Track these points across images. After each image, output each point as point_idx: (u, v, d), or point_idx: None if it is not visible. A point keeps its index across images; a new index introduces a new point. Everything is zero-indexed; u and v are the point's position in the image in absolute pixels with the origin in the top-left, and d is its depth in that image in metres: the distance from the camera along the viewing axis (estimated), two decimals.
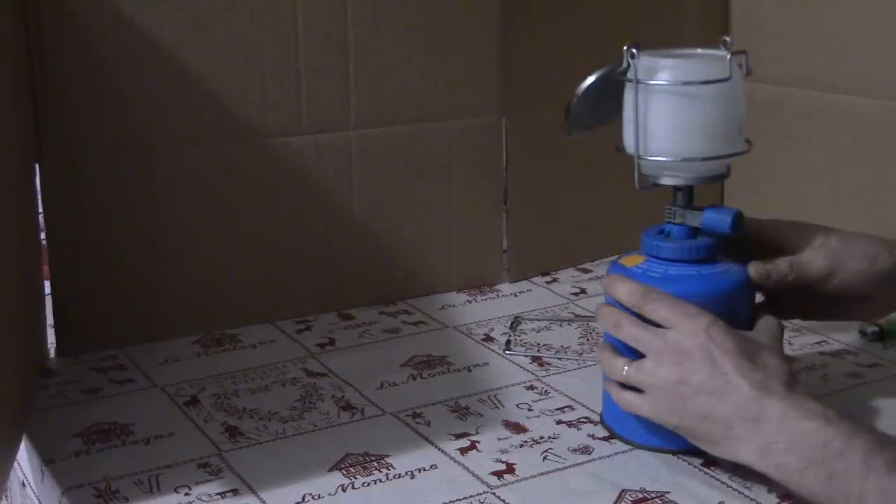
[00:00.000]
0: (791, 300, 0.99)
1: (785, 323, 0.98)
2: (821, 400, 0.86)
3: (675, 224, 0.96)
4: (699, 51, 0.95)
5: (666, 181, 0.95)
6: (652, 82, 0.93)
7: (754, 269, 0.95)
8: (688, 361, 0.88)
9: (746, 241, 0.98)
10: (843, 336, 1.18)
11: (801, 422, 0.84)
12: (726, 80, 0.92)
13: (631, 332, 0.92)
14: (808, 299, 0.99)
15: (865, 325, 1.17)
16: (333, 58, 1.22)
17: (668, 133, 0.93)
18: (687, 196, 0.96)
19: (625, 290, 0.93)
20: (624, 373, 0.92)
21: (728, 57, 0.93)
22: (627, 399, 0.93)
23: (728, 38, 0.93)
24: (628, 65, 0.94)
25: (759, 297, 0.99)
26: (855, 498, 0.79)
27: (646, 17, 1.40)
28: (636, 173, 0.95)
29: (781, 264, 0.96)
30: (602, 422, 1.01)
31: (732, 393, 0.86)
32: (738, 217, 0.94)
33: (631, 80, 0.94)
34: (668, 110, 0.93)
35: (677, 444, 0.93)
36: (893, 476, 0.79)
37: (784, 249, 0.98)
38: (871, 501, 0.78)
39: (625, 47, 0.93)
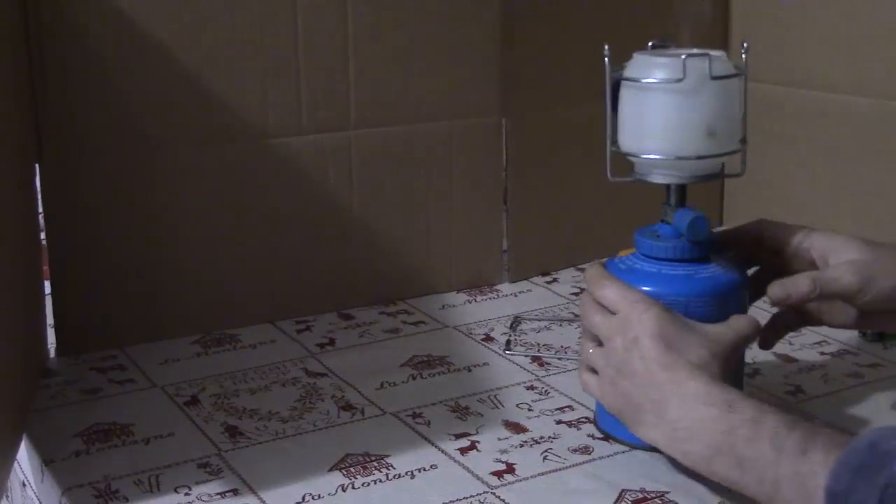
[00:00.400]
0: (816, 309, 0.97)
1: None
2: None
3: (666, 224, 0.96)
4: (695, 50, 0.95)
5: (658, 179, 0.95)
6: (646, 80, 0.93)
7: (772, 291, 0.93)
8: (619, 344, 0.89)
9: (773, 249, 0.97)
10: (843, 336, 1.18)
11: (701, 407, 0.83)
12: (723, 78, 0.92)
13: (589, 318, 0.93)
14: (835, 310, 0.97)
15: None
16: (333, 58, 1.22)
17: (660, 131, 0.93)
18: (679, 195, 0.96)
19: (588, 275, 0.95)
20: (588, 355, 0.94)
21: (723, 56, 0.94)
22: (583, 379, 0.95)
23: (746, 43, 0.94)
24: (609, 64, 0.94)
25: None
26: (769, 483, 0.77)
27: (646, 18, 1.40)
28: (608, 164, 0.96)
29: (802, 283, 0.92)
30: (594, 422, 1.01)
31: (643, 375, 0.87)
32: (697, 221, 0.93)
33: (627, 79, 0.94)
34: (661, 109, 0.93)
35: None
36: (806, 457, 0.76)
37: (812, 260, 0.96)
38: (786, 486, 0.76)
39: (606, 46, 0.93)
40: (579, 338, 1.20)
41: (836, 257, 0.94)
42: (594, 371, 0.93)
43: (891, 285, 0.93)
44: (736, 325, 0.92)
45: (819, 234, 0.97)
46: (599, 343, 0.93)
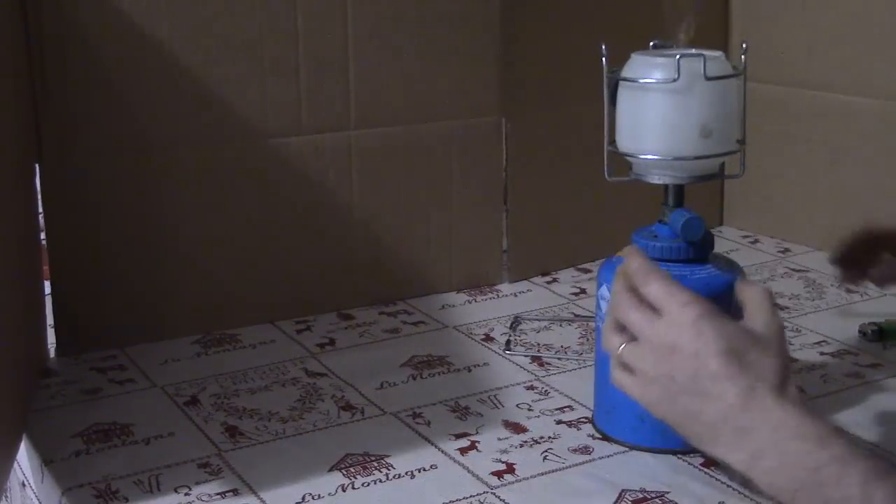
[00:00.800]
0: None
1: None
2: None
3: (664, 224, 0.96)
4: (692, 50, 0.95)
5: (655, 180, 0.95)
6: (642, 81, 0.93)
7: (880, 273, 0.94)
8: (674, 356, 0.82)
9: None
10: (843, 336, 1.18)
11: (791, 441, 0.77)
12: (721, 78, 0.92)
13: (624, 312, 0.87)
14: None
15: (866, 325, 1.16)
16: (333, 58, 1.22)
17: (657, 132, 0.93)
18: (677, 195, 0.96)
19: (632, 265, 0.87)
20: (619, 351, 0.87)
21: (720, 56, 0.94)
22: (619, 378, 0.87)
23: (745, 43, 0.94)
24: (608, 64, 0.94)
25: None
26: None
27: (645, 18, 1.40)
28: (605, 164, 0.96)
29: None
30: (592, 422, 1.01)
31: (718, 398, 0.80)
32: (691, 222, 0.93)
33: (625, 79, 0.94)
34: (657, 109, 0.93)
35: (655, 443, 0.95)
36: None
37: None
38: None
39: (602, 46, 0.93)
40: (579, 338, 1.20)
41: None
42: (627, 368, 0.87)
43: None
44: (764, 312, 0.86)
45: None
46: (629, 337, 0.87)
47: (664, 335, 0.83)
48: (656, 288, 0.85)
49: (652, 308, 0.85)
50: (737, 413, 0.79)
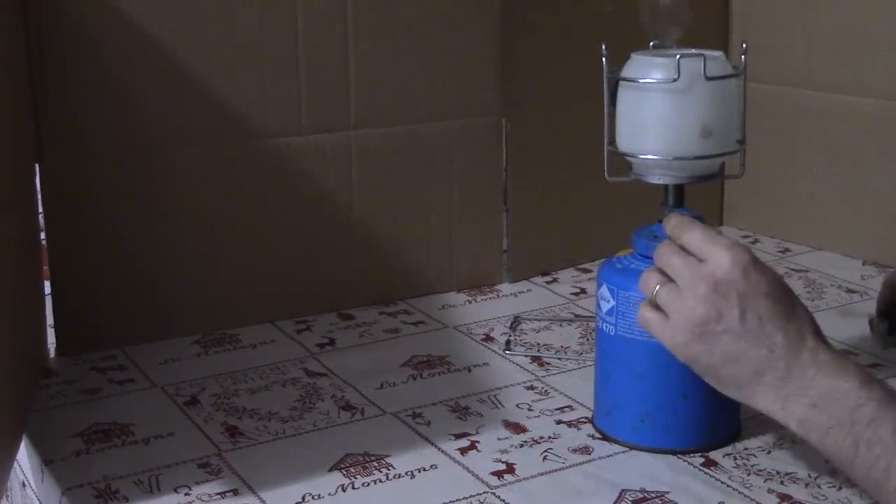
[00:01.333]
0: None
1: None
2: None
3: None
4: (692, 50, 0.95)
5: (655, 180, 0.95)
6: (642, 81, 0.93)
7: None
8: (721, 299, 0.84)
9: None
10: (842, 336, 1.18)
11: (835, 380, 0.80)
12: (721, 78, 0.92)
13: (666, 258, 0.87)
14: None
15: (876, 320, 1.15)
16: (333, 58, 1.22)
17: (656, 132, 0.93)
18: (677, 195, 0.96)
19: (672, 222, 0.90)
20: (655, 291, 0.87)
21: (720, 56, 0.94)
22: (647, 316, 0.88)
23: (746, 43, 0.93)
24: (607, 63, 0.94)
25: None
26: (881, 470, 0.76)
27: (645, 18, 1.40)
28: (605, 164, 0.96)
29: None
30: (592, 422, 1.01)
31: (765, 340, 0.83)
32: None
33: (624, 79, 0.94)
34: (657, 109, 0.93)
35: (655, 443, 0.95)
36: None
37: None
38: None
39: (602, 46, 0.93)
40: (579, 338, 1.20)
41: None
42: (658, 310, 0.88)
43: None
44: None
45: None
46: (667, 280, 0.88)
47: (709, 276, 0.84)
48: (698, 235, 0.87)
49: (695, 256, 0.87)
50: (783, 355, 0.82)
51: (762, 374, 0.83)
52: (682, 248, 0.87)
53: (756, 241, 1.50)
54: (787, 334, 0.83)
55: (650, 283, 0.88)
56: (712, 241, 0.86)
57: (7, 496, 1.10)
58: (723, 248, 0.85)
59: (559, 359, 1.15)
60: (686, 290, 0.85)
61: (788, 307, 0.85)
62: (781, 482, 0.90)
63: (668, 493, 0.89)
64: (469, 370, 1.13)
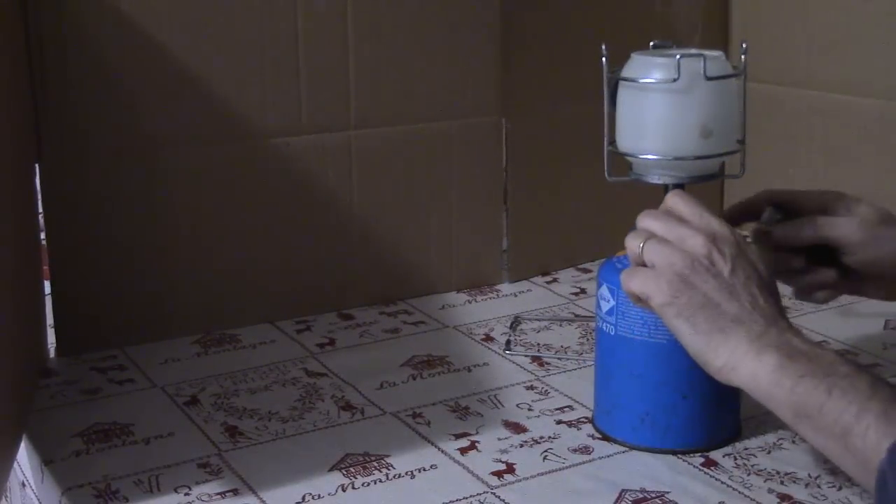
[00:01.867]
0: (805, 269, 0.97)
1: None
2: None
3: None
4: (692, 50, 0.95)
5: (655, 180, 0.95)
6: (642, 81, 0.93)
7: (777, 230, 0.93)
8: (715, 249, 0.84)
9: (795, 210, 0.96)
10: (843, 336, 1.18)
11: (811, 345, 0.81)
12: (721, 78, 0.92)
13: (653, 217, 0.88)
14: (825, 272, 0.96)
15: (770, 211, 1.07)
16: (333, 58, 1.22)
17: (657, 132, 0.93)
18: None
19: (668, 197, 0.91)
20: (640, 247, 0.87)
21: (720, 56, 0.94)
22: (629, 273, 0.88)
23: (745, 44, 0.94)
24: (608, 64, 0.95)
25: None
26: (852, 414, 0.75)
27: (645, 17, 1.40)
28: (605, 164, 0.96)
29: (804, 223, 0.93)
30: (592, 422, 1.01)
31: (749, 298, 0.83)
32: None
33: (625, 79, 0.94)
34: (657, 109, 0.93)
35: (655, 443, 0.95)
36: None
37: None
38: (871, 419, 0.74)
39: (602, 46, 0.93)
40: (579, 338, 1.20)
41: (847, 212, 0.95)
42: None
43: (891, 250, 0.93)
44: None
45: (838, 195, 0.97)
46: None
47: (706, 229, 0.86)
48: (696, 208, 0.87)
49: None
50: (764, 315, 0.83)
51: (740, 323, 0.83)
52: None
53: None
54: (768, 303, 0.84)
55: (634, 242, 0.88)
56: (711, 212, 0.88)
57: (7, 496, 1.10)
58: (721, 220, 0.87)
59: (559, 359, 1.15)
60: (678, 240, 0.86)
61: (774, 289, 0.86)
62: (781, 482, 0.90)
63: (668, 493, 0.89)
64: (469, 370, 1.13)
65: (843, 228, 0.94)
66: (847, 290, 1.00)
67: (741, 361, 0.82)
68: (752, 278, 0.85)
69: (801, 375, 0.79)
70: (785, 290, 0.93)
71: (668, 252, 0.85)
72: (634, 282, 0.86)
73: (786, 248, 0.97)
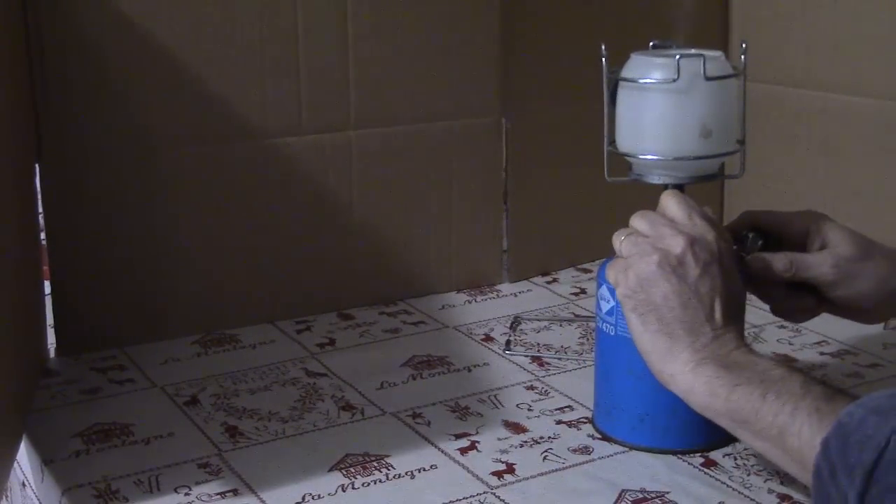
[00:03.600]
0: (784, 294, 0.97)
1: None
2: None
3: None
4: (692, 50, 0.95)
5: (654, 180, 0.95)
6: (642, 81, 0.93)
7: (753, 262, 0.94)
8: (690, 252, 0.86)
9: (776, 234, 0.97)
10: (843, 336, 1.18)
11: (750, 354, 0.84)
12: (721, 78, 0.92)
13: (641, 217, 0.90)
14: (803, 298, 0.97)
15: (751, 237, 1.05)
16: (333, 58, 1.22)
17: (656, 132, 0.93)
18: None
19: (662, 197, 0.92)
20: (622, 239, 0.90)
21: (720, 56, 0.94)
22: (610, 263, 0.90)
23: (745, 43, 0.94)
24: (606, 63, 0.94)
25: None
26: (786, 414, 0.77)
27: (645, 17, 1.40)
28: (605, 164, 0.96)
29: (780, 260, 0.94)
30: (592, 422, 1.01)
31: (706, 307, 0.85)
32: None
33: (624, 79, 0.94)
34: (656, 109, 0.93)
35: (655, 443, 0.95)
36: (830, 401, 0.77)
37: (806, 244, 0.96)
38: (804, 416, 0.76)
39: (602, 46, 0.93)
40: (579, 338, 1.20)
41: (824, 244, 0.95)
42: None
43: (866, 288, 0.94)
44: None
45: (817, 221, 0.97)
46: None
47: (686, 232, 0.87)
48: (684, 209, 0.89)
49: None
50: (716, 326, 0.85)
51: (688, 333, 0.85)
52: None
53: None
54: (725, 318, 0.86)
55: (620, 234, 0.90)
56: (703, 216, 0.89)
57: (7, 496, 1.10)
58: (709, 223, 0.89)
59: (559, 359, 1.15)
60: (656, 238, 0.88)
61: (737, 304, 0.88)
62: (781, 482, 0.90)
63: (667, 493, 0.89)
64: (469, 370, 1.13)
65: (818, 269, 0.94)
66: (828, 311, 1.01)
67: (680, 371, 0.85)
68: (717, 289, 0.86)
69: (736, 384, 0.81)
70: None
71: (641, 247, 0.88)
72: (610, 271, 0.90)
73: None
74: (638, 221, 0.90)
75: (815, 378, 0.81)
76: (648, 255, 0.87)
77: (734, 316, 0.87)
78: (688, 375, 0.84)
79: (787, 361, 0.84)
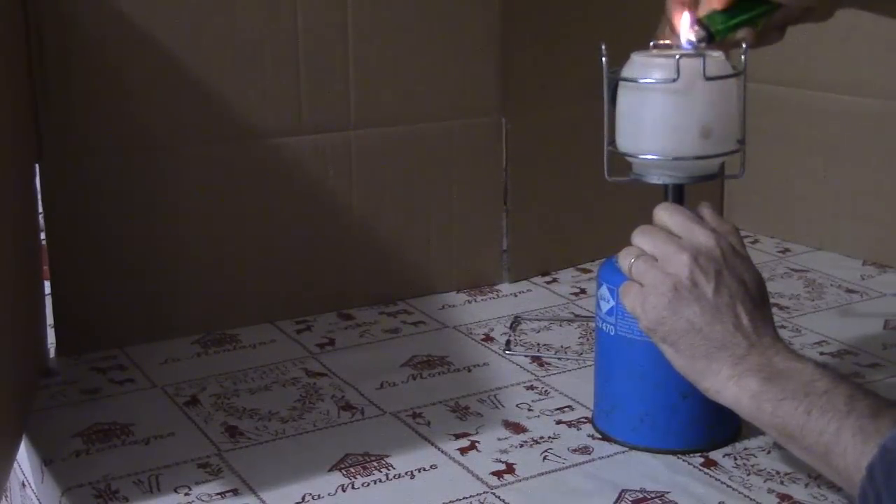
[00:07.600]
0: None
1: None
2: None
3: None
4: (693, 50, 0.95)
5: (654, 180, 0.95)
6: (642, 81, 0.93)
7: (723, 44, 0.93)
8: (698, 269, 0.86)
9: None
10: (843, 336, 1.18)
11: (792, 362, 0.83)
12: (721, 78, 0.92)
13: (642, 235, 0.90)
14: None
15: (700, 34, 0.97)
16: (333, 58, 1.22)
17: (656, 132, 0.93)
18: (677, 196, 0.96)
19: (657, 210, 0.92)
20: (631, 263, 0.90)
21: (720, 56, 0.93)
22: (623, 289, 0.91)
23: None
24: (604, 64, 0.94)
25: None
26: (830, 434, 0.77)
27: (645, 17, 1.40)
28: (605, 164, 0.96)
29: (742, 35, 0.92)
30: (592, 422, 1.01)
31: (733, 318, 0.85)
32: None
33: (624, 79, 0.94)
34: (656, 109, 0.93)
35: (655, 443, 0.95)
36: (875, 419, 0.77)
37: None
38: (848, 437, 0.76)
39: (602, 46, 0.93)
40: (579, 338, 1.20)
41: None
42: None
43: None
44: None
45: None
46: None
47: (690, 247, 0.88)
48: (683, 218, 0.90)
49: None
50: (746, 335, 0.85)
51: (723, 348, 0.85)
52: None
53: (756, 241, 1.50)
54: (753, 320, 0.86)
55: (627, 256, 0.91)
56: (698, 223, 0.90)
57: (7, 496, 1.10)
58: (707, 229, 0.89)
59: (559, 359, 1.15)
60: (663, 259, 0.88)
61: (760, 300, 0.88)
62: (781, 482, 0.90)
63: (668, 493, 0.89)
64: (469, 370, 1.13)
65: None
66: (789, 24, 0.99)
67: (724, 386, 0.85)
68: (737, 295, 0.87)
69: (781, 399, 0.81)
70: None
71: (653, 275, 0.88)
72: (627, 299, 0.90)
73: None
74: (640, 239, 0.90)
75: (862, 389, 0.80)
76: (662, 284, 0.87)
77: (759, 308, 0.87)
78: (732, 389, 0.84)
79: (827, 365, 0.83)
